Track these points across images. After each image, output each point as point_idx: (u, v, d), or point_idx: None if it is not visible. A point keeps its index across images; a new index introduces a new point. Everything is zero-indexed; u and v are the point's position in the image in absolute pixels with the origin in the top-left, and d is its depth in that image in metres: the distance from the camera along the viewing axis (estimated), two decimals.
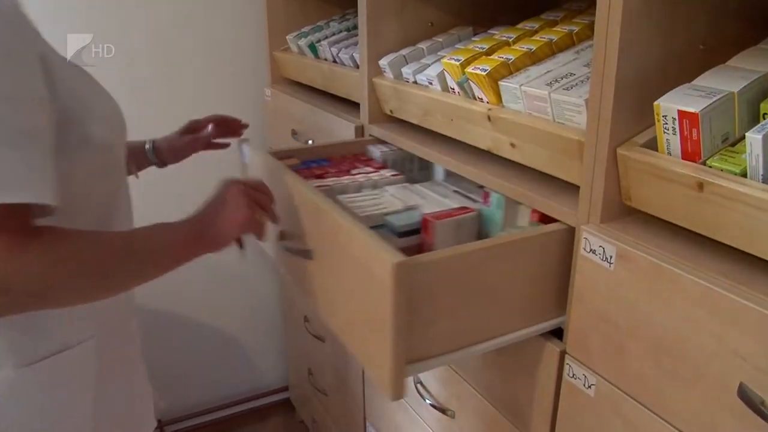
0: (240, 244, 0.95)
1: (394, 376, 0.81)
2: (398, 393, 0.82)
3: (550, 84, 0.96)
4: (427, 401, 1.29)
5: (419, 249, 1.02)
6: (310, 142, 1.74)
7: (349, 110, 1.60)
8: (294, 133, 1.85)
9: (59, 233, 0.73)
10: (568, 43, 1.09)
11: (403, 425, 1.48)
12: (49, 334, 0.88)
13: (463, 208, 1.05)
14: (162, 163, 1.30)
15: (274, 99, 2.01)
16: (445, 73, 1.17)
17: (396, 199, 1.12)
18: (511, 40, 1.15)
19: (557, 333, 0.98)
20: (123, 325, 1.03)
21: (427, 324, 0.84)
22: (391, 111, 1.40)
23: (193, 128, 1.33)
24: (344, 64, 1.61)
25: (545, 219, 0.97)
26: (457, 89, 1.16)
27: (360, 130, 1.49)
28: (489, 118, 1.06)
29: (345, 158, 1.34)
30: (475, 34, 1.36)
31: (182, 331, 2.29)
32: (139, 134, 1.20)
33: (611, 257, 0.82)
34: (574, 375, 0.93)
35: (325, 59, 1.73)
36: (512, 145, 1.03)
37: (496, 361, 1.09)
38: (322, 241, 0.99)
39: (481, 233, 1.07)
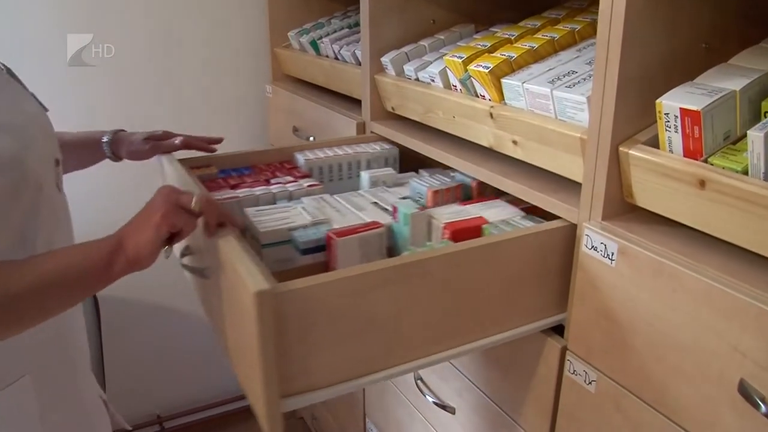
0: (166, 246, 0.84)
1: (267, 412, 0.75)
2: (273, 429, 0.76)
3: (552, 81, 0.97)
4: (428, 397, 1.29)
5: (325, 267, 0.98)
6: (311, 138, 1.74)
7: (350, 107, 1.60)
8: (295, 129, 1.85)
9: None
10: (570, 41, 1.09)
11: (403, 421, 1.48)
12: None
13: (373, 224, 0.99)
14: (116, 158, 1.22)
15: (275, 95, 2.01)
16: (448, 70, 1.18)
17: (307, 212, 1.06)
18: (513, 38, 1.16)
19: (558, 330, 0.98)
20: (67, 351, 0.99)
21: (308, 354, 0.78)
22: (392, 108, 1.41)
23: (159, 137, 1.23)
24: (346, 61, 1.62)
25: (458, 236, 0.95)
26: (459, 86, 1.16)
27: (361, 127, 1.49)
28: (491, 115, 1.06)
29: (269, 166, 1.30)
30: (476, 32, 1.36)
31: (180, 326, 2.29)
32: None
33: (613, 254, 0.83)
34: (574, 371, 0.93)
35: (327, 56, 1.73)
36: (514, 142, 1.04)
37: (497, 357, 1.10)
38: (212, 260, 0.91)
39: (394, 249, 1.03)
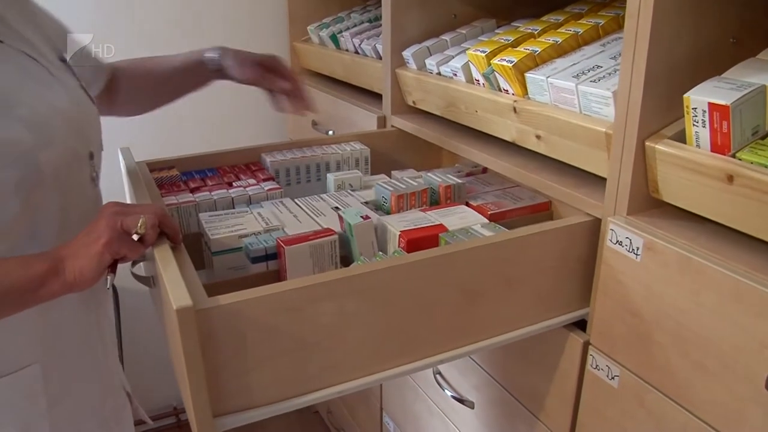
0: (112, 270, 0.81)
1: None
2: None
3: (576, 76, 0.96)
4: (447, 392, 1.29)
5: (277, 276, 0.95)
6: (330, 132, 1.75)
7: (370, 101, 1.60)
8: (314, 124, 1.86)
9: None
10: (594, 36, 1.09)
11: (421, 416, 1.49)
12: None
13: (325, 231, 0.96)
14: (221, 75, 1.17)
15: None
16: (471, 64, 1.18)
17: (261, 218, 1.04)
18: (536, 32, 1.15)
19: (581, 325, 0.98)
20: (85, 343, 0.97)
21: (243, 372, 0.75)
22: (413, 102, 1.41)
23: (270, 66, 1.16)
24: (366, 55, 1.62)
25: (413, 246, 0.93)
26: (482, 81, 1.16)
27: (382, 121, 1.49)
28: (515, 109, 1.06)
29: (234, 168, 1.29)
30: (498, 27, 1.36)
31: None
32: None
33: (638, 249, 0.82)
34: (597, 366, 0.93)
35: (347, 50, 1.73)
36: (538, 137, 1.03)
37: (518, 351, 1.10)
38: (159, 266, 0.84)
39: (350, 257, 1.00)
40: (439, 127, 1.32)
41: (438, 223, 0.98)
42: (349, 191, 1.18)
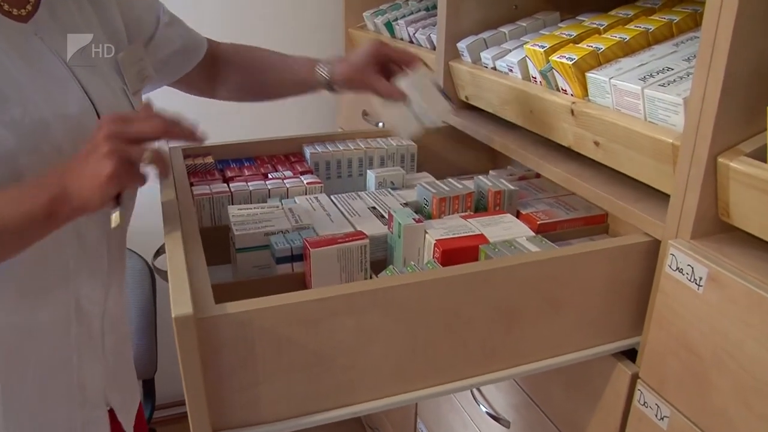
0: (117, 201, 0.77)
1: None
2: None
3: (643, 78, 0.86)
4: (482, 407, 1.22)
5: (303, 279, 0.89)
6: (380, 124, 1.68)
7: None
8: (365, 114, 1.79)
9: None
10: (666, 34, 0.98)
11: (454, 427, 1.42)
12: None
13: (356, 234, 0.88)
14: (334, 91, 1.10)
15: None
16: (528, 60, 1.09)
17: (293, 215, 0.98)
18: (602, 28, 1.05)
19: (631, 354, 0.89)
20: (54, 361, 0.92)
21: (249, 387, 0.70)
22: (466, 98, 1.32)
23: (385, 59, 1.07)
24: (421, 45, 1.54)
25: (449, 258, 0.85)
26: (539, 78, 1.07)
27: None
28: (572, 112, 0.97)
29: (274, 158, 1.23)
30: (562, 20, 1.26)
31: None
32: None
33: (701, 279, 0.73)
34: (645, 403, 0.84)
35: (401, 39, 1.65)
36: (596, 143, 0.94)
37: (560, 374, 1.01)
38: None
39: (390, 262, 0.95)
40: (493, 126, 1.24)
41: (479, 233, 0.90)
42: (389, 190, 1.11)
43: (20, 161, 0.77)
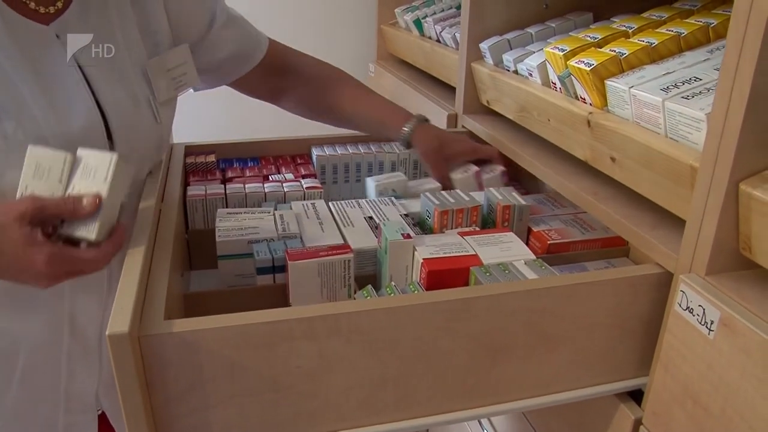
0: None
1: None
2: None
3: (666, 89, 0.77)
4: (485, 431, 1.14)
5: (284, 290, 0.83)
6: None
7: (447, 96, 1.45)
8: None
9: None
10: (701, 40, 0.88)
11: None
12: None
13: (341, 247, 0.82)
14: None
15: (377, 75, 1.89)
16: (547, 63, 1.00)
17: (282, 221, 0.93)
18: (630, 31, 0.95)
19: (636, 395, 0.80)
20: (40, 361, 0.88)
21: (201, 409, 0.64)
22: (487, 102, 1.24)
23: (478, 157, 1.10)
24: (446, 45, 1.46)
25: (434, 280, 0.78)
26: (558, 84, 0.98)
27: (453, 120, 1.33)
28: (589, 123, 0.88)
29: (280, 159, 1.17)
30: (595, 22, 1.16)
31: None
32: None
33: (712, 323, 0.63)
34: None
35: (429, 37, 1.57)
36: (612, 159, 0.85)
37: (567, 413, 0.92)
38: None
39: (379, 278, 0.88)
40: (512, 134, 1.15)
41: (473, 253, 0.82)
42: (392, 199, 1.03)
43: (5, 178, 0.72)
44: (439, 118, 1.36)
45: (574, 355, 0.75)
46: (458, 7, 1.55)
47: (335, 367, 0.66)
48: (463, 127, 1.29)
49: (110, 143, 0.81)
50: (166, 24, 0.90)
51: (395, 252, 0.82)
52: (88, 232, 0.67)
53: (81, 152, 0.69)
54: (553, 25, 1.17)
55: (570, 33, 1.13)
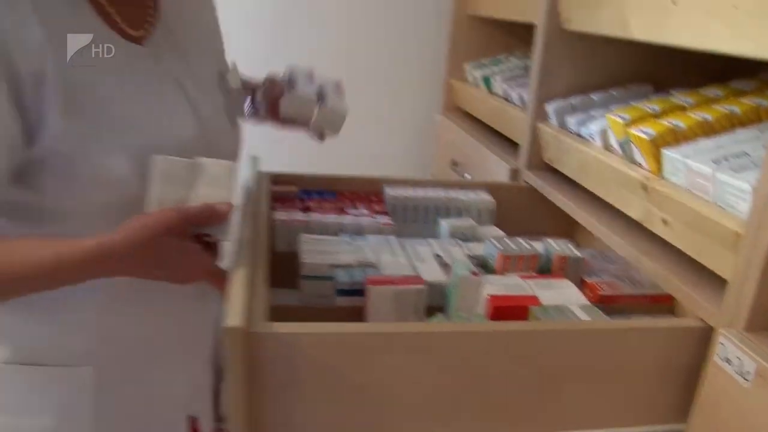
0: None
1: None
2: None
3: (717, 161, 0.85)
4: None
5: (361, 313, 0.92)
6: (467, 176, 1.71)
7: (510, 151, 1.54)
8: (454, 164, 1.83)
9: None
10: (752, 118, 0.96)
11: None
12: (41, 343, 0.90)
13: (414, 278, 0.93)
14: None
15: (443, 126, 2.00)
16: (609, 129, 1.09)
17: (360, 251, 1.03)
18: (688, 105, 1.04)
19: None
20: (143, 360, 0.98)
21: (292, 408, 0.74)
22: (549, 160, 1.33)
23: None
24: (513, 103, 1.56)
25: (499, 313, 0.87)
26: (618, 149, 1.07)
27: (515, 174, 1.43)
28: (644, 187, 0.96)
29: (354, 195, 1.27)
30: (654, 93, 1.25)
31: None
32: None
33: (748, 373, 0.71)
34: None
35: (497, 94, 1.68)
36: (664, 221, 0.93)
37: None
38: None
39: (445, 310, 0.96)
40: (570, 191, 1.24)
41: (533, 294, 0.91)
42: (458, 241, 1.13)
43: (133, 186, 0.83)
44: (501, 171, 1.46)
45: (619, 395, 0.82)
46: (525, 68, 1.66)
47: (406, 380, 0.76)
48: (524, 181, 1.38)
49: (207, 147, 0.92)
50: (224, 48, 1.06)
51: (464, 287, 0.92)
52: (223, 234, 0.79)
53: (201, 160, 0.82)
54: (615, 93, 1.27)
55: (630, 102, 1.22)
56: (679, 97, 1.09)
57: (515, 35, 1.94)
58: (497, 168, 1.50)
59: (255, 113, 1.19)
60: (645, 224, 0.98)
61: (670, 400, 0.84)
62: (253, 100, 1.17)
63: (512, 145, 1.55)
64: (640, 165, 1.01)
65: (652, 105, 1.07)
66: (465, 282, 0.92)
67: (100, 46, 0.82)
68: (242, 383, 0.70)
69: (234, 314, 0.69)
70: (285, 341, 0.71)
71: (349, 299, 0.95)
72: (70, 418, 0.92)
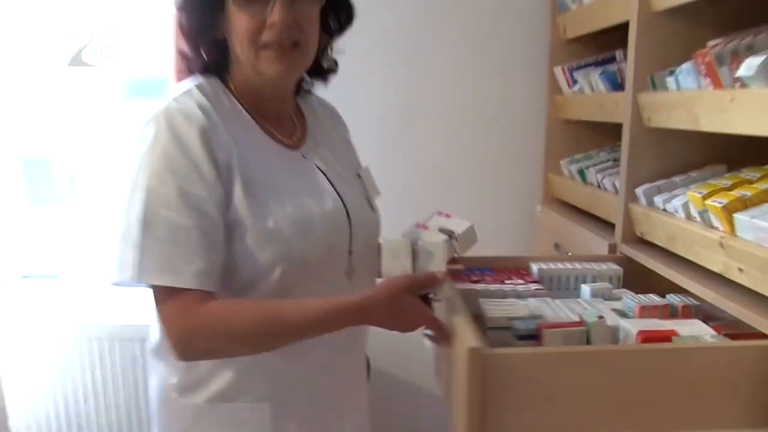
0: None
1: None
2: None
3: None
4: None
5: None
6: (569, 253, 1.96)
7: (606, 230, 1.80)
8: (557, 246, 2.08)
9: (221, 304, 1.07)
10: None
11: None
12: (221, 380, 1.19)
13: (577, 323, 1.17)
14: None
15: (544, 214, 2.28)
16: (690, 203, 1.34)
17: (528, 307, 1.26)
18: (754, 179, 1.29)
19: None
20: (316, 398, 1.24)
21: (505, 413, 0.98)
22: (641, 233, 1.58)
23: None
24: (606, 189, 1.83)
25: (648, 341, 1.10)
26: (698, 218, 1.32)
27: (613, 248, 1.68)
28: (721, 245, 1.20)
29: (507, 270, 1.53)
30: (728, 171, 1.49)
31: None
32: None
33: None
34: None
35: (591, 184, 1.96)
36: (740, 269, 1.16)
37: None
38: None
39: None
40: (662, 257, 1.47)
41: (672, 329, 1.14)
42: (600, 299, 1.39)
43: (293, 244, 1.13)
44: (600, 247, 1.71)
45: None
46: (614, 160, 1.94)
47: (586, 389, 1.02)
48: (620, 253, 1.63)
49: (349, 220, 1.24)
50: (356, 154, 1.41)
51: (596, 331, 1.17)
52: (437, 294, 1.11)
53: (419, 243, 1.13)
54: (694, 174, 1.52)
55: (707, 180, 1.47)
56: (747, 174, 1.33)
57: (601, 133, 2.22)
58: (596, 245, 1.75)
59: None
60: (725, 274, 1.21)
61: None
62: None
63: (607, 225, 1.80)
64: (716, 228, 1.25)
65: (725, 181, 1.32)
66: (596, 326, 1.17)
67: (266, 150, 1.20)
68: (477, 392, 0.97)
69: (470, 340, 0.98)
70: (502, 360, 0.99)
71: (526, 343, 1.18)
72: None
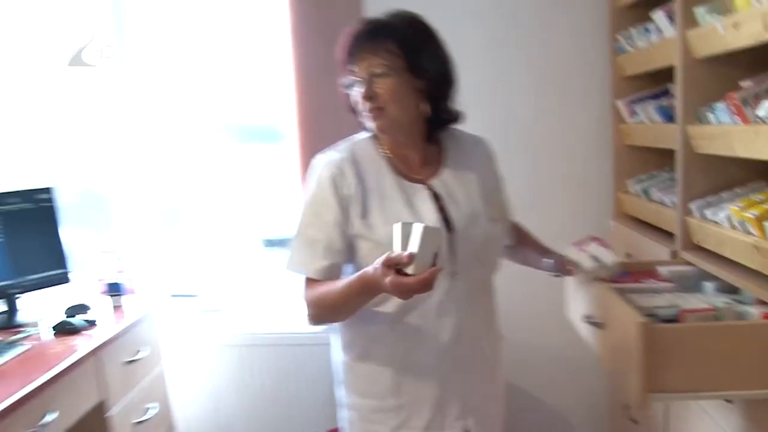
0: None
1: (639, 400, 1.39)
2: (643, 408, 1.30)
3: None
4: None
5: None
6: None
7: (667, 239, 2.11)
8: (628, 255, 2.40)
9: (315, 285, 1.53)
10: None
11: None
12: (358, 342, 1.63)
13: (709, 309, 1.51)
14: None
15: (616, 229, 2.59)
16: (732, 215, 1.66)
17: (665, 299, 1.59)
18: None
19: None
20: (426, 377, 1.58)
21: (665, 370, 1.33)
22: (697, 241, 1.89)
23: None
24: (666, 205, 2.15)
25: None
26: (739, 227, 1.63)
27: (674, 254, 1.99)
28: (756, 247, 1.52)
29: (641, 272, 1.85)
30: (767, 186, 1.79)
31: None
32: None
33: None
34: None
35: (654, 200, 2.27)
36: None
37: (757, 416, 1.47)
38: (607, 316, 1.60)
39: None
40: (716, 261, 1.78)
41: None
42: (718, 292, 1.70)
43: (388, 246, 1.37)
44: (663, 254, 2.03)
45: None
46: (672, 180, 2.25)
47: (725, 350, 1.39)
48: (681, 258, 1.94)
49: (450, 235, 1.54)
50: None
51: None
52: (408, 269, 1.35)
53: (414, 225, 1.39)
54: (738, 190, 1.82)
55: (748, 195, 1.78)
56: None
57: (660, 155, 2.51)
58: (659, 252, 2.07)
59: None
60: (762, 270, 1.52)
61: None
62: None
63: (667, 235, 2.11)
64: (753, 234, 1.56)
65: (760, 196, 1.63)
66: (726, 310, 1.53)
67: (387, 185, 1.58)
68: (646, 353, 1.34)
69: (638, 317, 1.38)
70: (668, 331, 1.38)
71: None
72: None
